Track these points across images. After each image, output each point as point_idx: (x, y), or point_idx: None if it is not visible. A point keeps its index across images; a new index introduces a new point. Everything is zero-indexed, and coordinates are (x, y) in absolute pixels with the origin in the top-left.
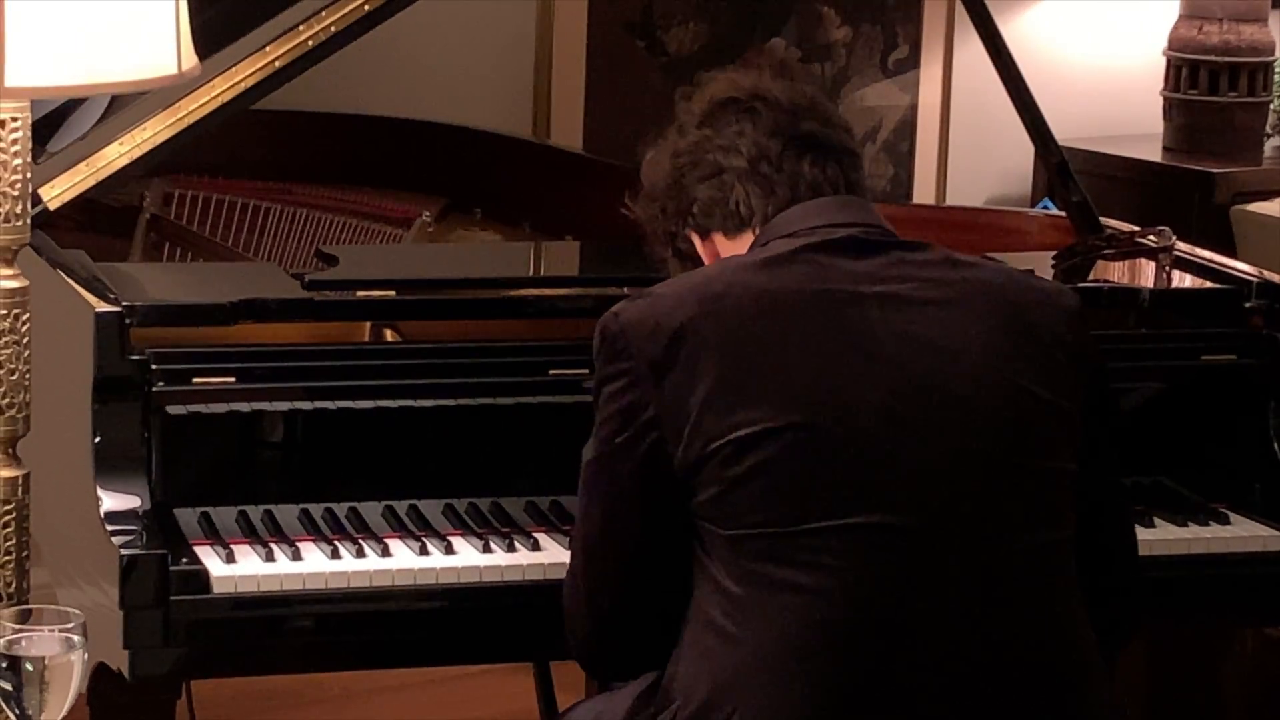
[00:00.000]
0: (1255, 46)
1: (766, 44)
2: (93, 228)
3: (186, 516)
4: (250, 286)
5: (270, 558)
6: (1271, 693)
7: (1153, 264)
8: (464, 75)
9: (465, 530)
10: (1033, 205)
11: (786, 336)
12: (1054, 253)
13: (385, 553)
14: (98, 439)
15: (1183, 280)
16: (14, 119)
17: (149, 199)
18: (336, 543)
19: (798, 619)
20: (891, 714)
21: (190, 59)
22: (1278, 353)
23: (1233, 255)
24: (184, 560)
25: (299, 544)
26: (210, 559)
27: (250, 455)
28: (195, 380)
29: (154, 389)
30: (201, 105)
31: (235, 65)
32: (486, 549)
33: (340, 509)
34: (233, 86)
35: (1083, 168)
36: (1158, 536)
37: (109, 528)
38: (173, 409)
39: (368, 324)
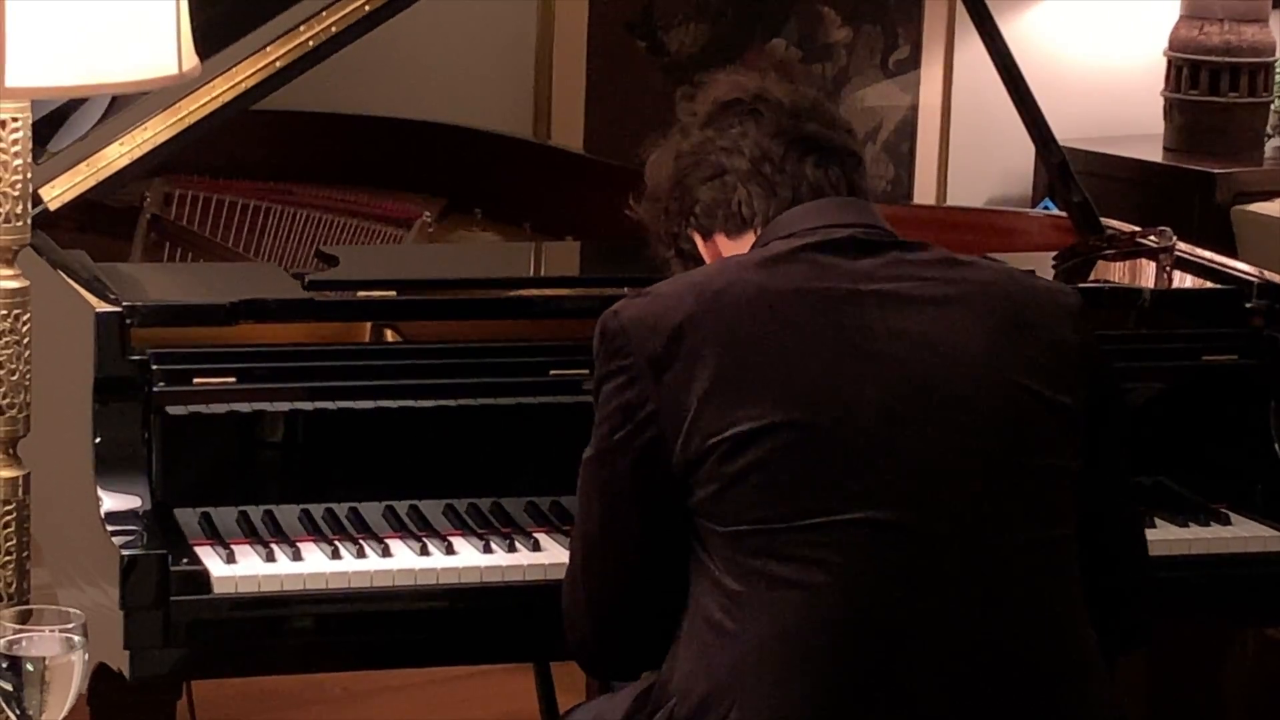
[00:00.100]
0: (1256, 47)
1: (767, 44)
2: (93, 228)
3: (187, 517)
4: (251, 287)
5: (271, 558)
6: (1272, 693)
7: (1153, 264)
8: (464, 75)
9: (466, 530)
10: (1033, 205)
11: (785, 334)
12: (1055, 253)
13: (386, 553)
14: (98, 439)
15: (1183, 281)
16: (14, 119)
17: (149, 199)
18: (337, 543)
19: (796, 615)
20: (889, 711)
21: (191, 59)
22: (1278, 353)
23: (1233, 255)
24: (184, 560)
25: (299, 544)
26: (211, 559)
27: (251, 455)
28: (196, 380)
29: (154, 389)
30: (202, 105)
31: (236, 65)
32: (487, 549)
33: (341, 509)
34: (233, 87)
35: (1083, 168)
36: (1159, 537)
37: (109, 528)
38: (173, 409)
39: (368, 324)
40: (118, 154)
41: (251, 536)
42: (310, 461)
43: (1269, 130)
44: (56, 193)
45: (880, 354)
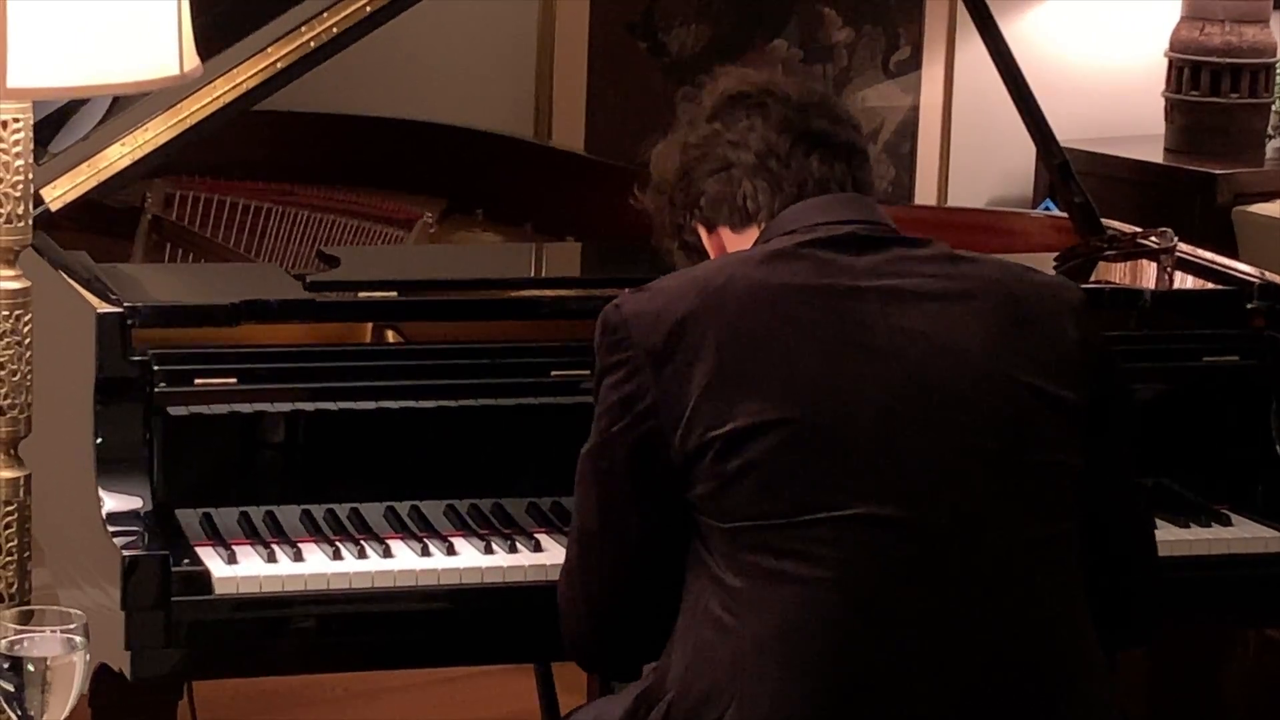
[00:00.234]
0: (1257, 48)
1: (768, 45)
2: (94, 229)
3: (188, 517)
4: (252, 287)
5: (272, 559)
6: (1273, 693)
7: (1154, 265)
8: (466, 76)
9: (467, 531)
10: (1034, 206)
11: (786, 330)
12: (1056, 254)
13: (387, 554)
14: (99, 440)
15: (1184, 281)
16: (16, 120)
17: (151, 200)
18: (338, 543)
19: (796, 611)
20: (888, 708)
21: (192, 60)
22: (1279, 354)
23: (1234, 256)
24: (186, 561)
25: (300, 545)
26: (212, 560)
27: (252, 456)
28: (197, 381)
29: (156, 390)
30: (203, 106)
31: (237, 66)
32: (488, 550)
33: (342, 510)
34: (235, 87)
35: (1084, 169)
36: (1160, 538)
37: (110, 529)
38: (174, 410)
39: (369, 325)
40: (119, 155)
41: (253, 537)
42: (311, 462)
43: (1270, 131)
44: (58, 193)
45: (881, 351)
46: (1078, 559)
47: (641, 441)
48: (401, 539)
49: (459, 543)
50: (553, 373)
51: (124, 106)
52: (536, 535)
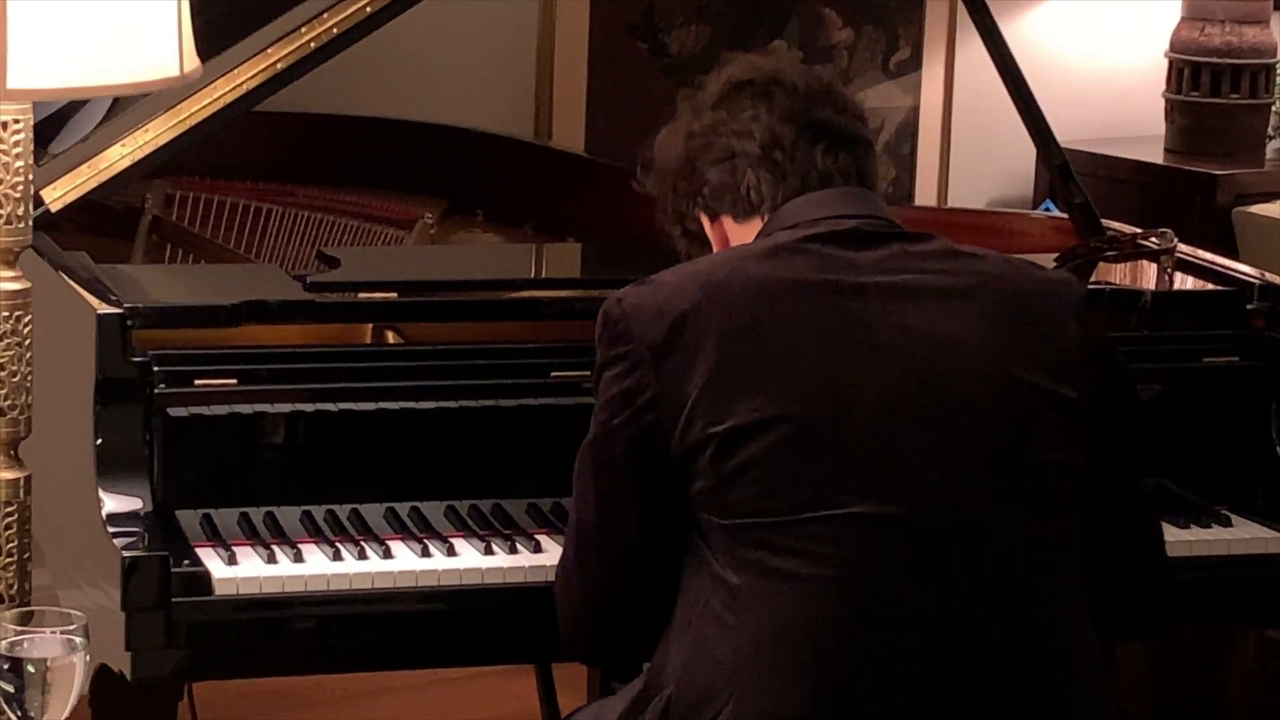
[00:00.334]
0: (1257, 48)
1: (769, 46)
2: (95, 229)
3: (188, 518)
4: (252, 288)
5: (272, 559)
6: (1273, 694)
7: (1154, 266)
8: (466, 77)
9: (467, 532)
10: (1034, 207)
11: (787, 327)
12: (1056, 255)
13: (387, 554)
14: (99, 441)
15: (1184, 282)
16: (16, 121)
17: (151, 200)
18: (338, 544)
19: (795, 609)
20: (887, 706)
21: (192, 61)
22: (1279, 355)
23: (1234, 257)
24: (186, 562)
25: (301, 546)
26: (212, 561)
27: (252, 457)
28: (197, 382)
29: (156, 391)
30: (204, 107)
31: (237, 67)
32: (488, 551)
33: (342, 510)
34: (235, 88)
35: (1084, 169)
36: None
37: (111, 529)
38: (174, 411)
39: (369, 326)
40: (119, 155)
41: (253, 538)
42: (312, 463)
43: (1270, 132)
44: (58, 194)
45: (881, 348)
46: (1078, 558)
47: (641, 436)
48: (401, 540)
49: (459, 543)
50: (553, 374)
51: (124, 107)
52: (537, 536)
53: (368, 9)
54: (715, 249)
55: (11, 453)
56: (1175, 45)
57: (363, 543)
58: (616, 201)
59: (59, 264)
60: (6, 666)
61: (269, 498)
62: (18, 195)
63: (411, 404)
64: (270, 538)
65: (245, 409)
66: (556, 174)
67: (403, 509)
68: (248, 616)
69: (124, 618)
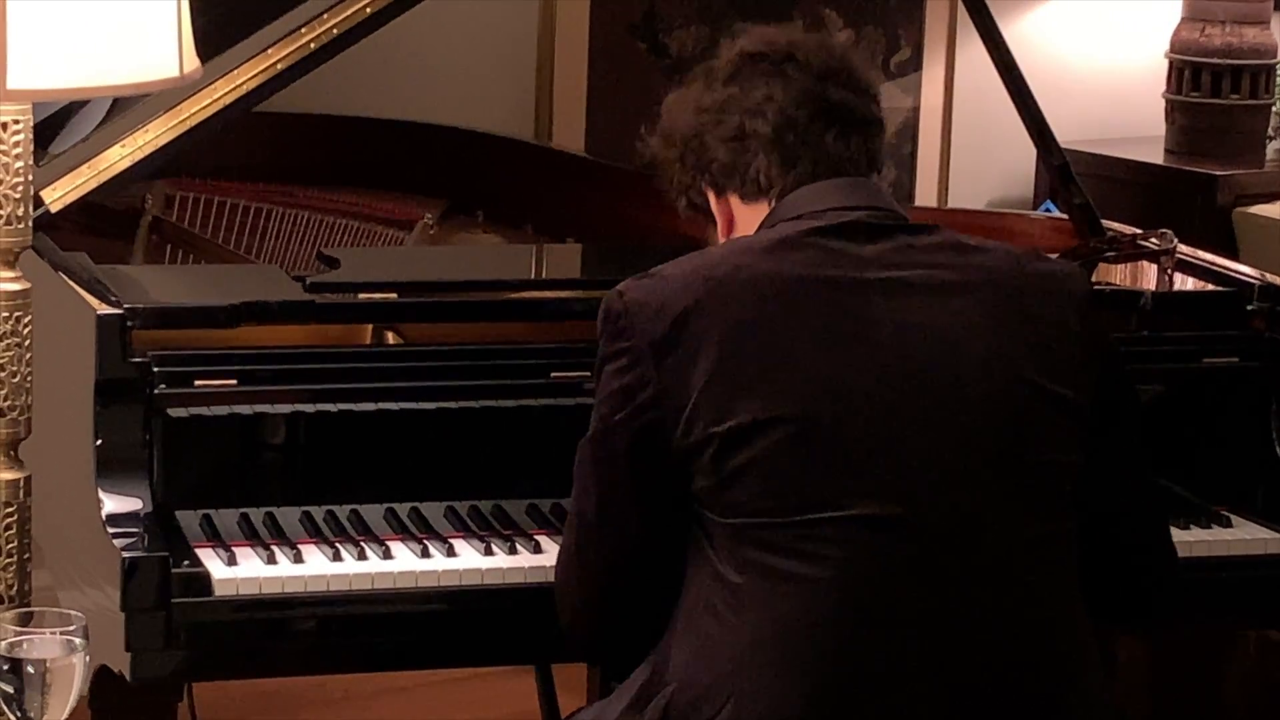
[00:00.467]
0: (1257, 49)
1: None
2: (95, 230)
3: (188, 519)
4: (252, 289)
5: (272, 560)
6: (1273, 694)
7: (1155, 267)
8: (466, 77)
9: (467, 533)
10: (1035, 208)
11: (789, 325)
12: (1056, 256)
13: (387, 555)
14: (99, 441)
15: (1184, 283)
16: (16, 121)
17: (151, 201)
18: (338, 545)
19: (795, 609)
20: (887, 706)
21: (192, 61)
22: (1279, 355)
23: (1235, 258)
24: (185, 563)
25: (300, 546)
26: (212, 561)
27: (252, 457)
28: (197, 382)
29: (155, 391)
30: (204, 108)
31: (237, 68)
32: (488, 551)
33: (342, 511)
34: (235, 89)
35: (1085, 170)
36: None
37: (110, 530)
38: (174, 411)
39: (369, 326)
40: (119, 156)
41: (252, 538)
42: (311, 463)
43: (1270, 132)
44: (58, 195)
45: (884, 347)
46: (1076, 558)
47: (642, 433)
48: (401, 540)
49: (459, 544)
50: (553, 374)
51: (124, 108)
52: (536, 537)
53: (368, 9)
54: (719, 223)
55: (11, 453)
56: (1175, 46)
57: (362, 543)
58: (617, 202)
59: (59, 264)
60: (6, 667)
61: (269, 498)
62: (18, 196)
63: (411, 405)
64: (270, 538)
65: (245, 409)
66: (556, 174)
67: (402, 509)
68: (247, 617)
69: (124, 618)
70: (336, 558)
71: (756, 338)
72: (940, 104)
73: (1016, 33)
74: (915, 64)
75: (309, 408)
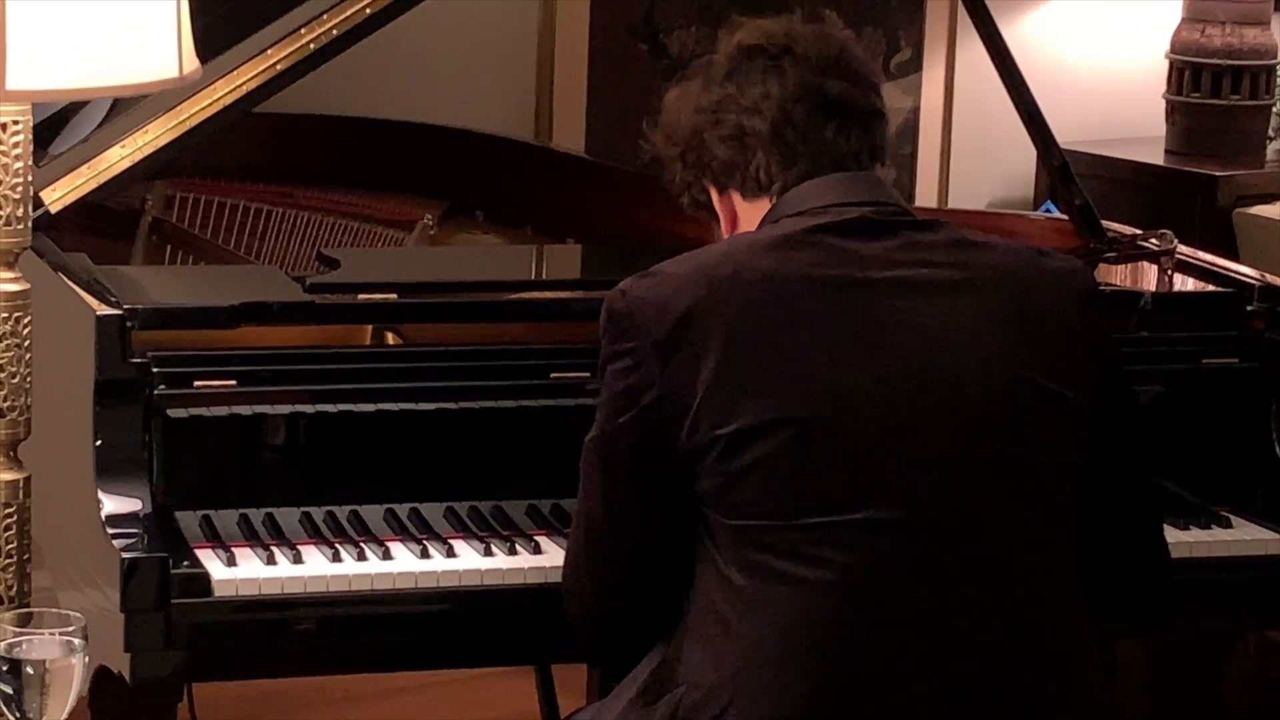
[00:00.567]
0: (1258, 49)
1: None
2: (94, 231)
3: (188, 519)
4: (252, 289)
5: (271, 561)
6: (1273, 694)
7: (1155, 267)
8: (466, 78)
9: (466, 533)
10: (1035, 208)
11: (792, 325)
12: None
13: (386, 556)
14: (99, 442)
15: (1185, 283)
16: (16, 122)
17: (151, 202)
18: (338, 546)
19: (798, 612)
20: (888, 707)
21: (192, 62)
22: (1279, 356)
23: (1235, 258)
24: (185, 563)
25: (300, 547)
26: (211, 562)
27: (251, 458)
28: (196, 383)
29: (155, 392)
30: (203, 108)
31: (237, 68)
32: (488, 552)
33: (341, 512)
34: (235, 89)
35: (1085, 171)
36: None
37: (110, 531)
38: (174, 412)
39: (369, 327)
40: (119, 157)
41: (252, 539)
42: (311, 464)
43: (1270, 133)
44: (57, 195)
45: (887, 348)
46: (1077, 558)
47: (646, 433)
48: (401, 541)
49: (458, 545)
50: (552, 375)
51: (124, 108)
52: (536, 538)
53: (368, 10)
54: (722, 220)
55: (11, 454)
56: (1176, 46)
57: (362, 544)
58: (616, 202)
59: (59, 265)
60: (5, 668)
61: (268, 499)
62: (17, 196)
63: (411, 405)
64: (270, 539)
65: (245, 410)
66: (556, 175)
67: (402, 510)
68: (247, 618)
69: (123, 619)
70: (336, 558)
71: (759, 339)
72: (940, 104)
73: (1016, 33)
74: (915, 65)
75: (309, 408)
